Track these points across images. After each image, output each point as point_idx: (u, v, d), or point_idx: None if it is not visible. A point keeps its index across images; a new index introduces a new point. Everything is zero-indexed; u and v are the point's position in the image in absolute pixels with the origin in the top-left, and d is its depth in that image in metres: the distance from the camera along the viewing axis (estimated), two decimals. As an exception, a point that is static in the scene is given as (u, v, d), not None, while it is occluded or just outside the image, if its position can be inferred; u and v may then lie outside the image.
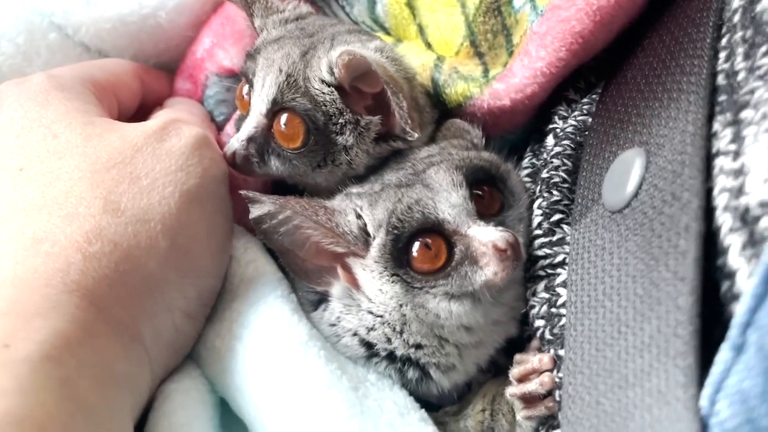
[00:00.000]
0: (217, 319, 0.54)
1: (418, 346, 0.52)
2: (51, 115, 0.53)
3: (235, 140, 0.56)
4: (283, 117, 0.55)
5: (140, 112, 0.65)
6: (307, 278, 0.53)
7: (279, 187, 0.63)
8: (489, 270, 0.48)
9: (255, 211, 0.51)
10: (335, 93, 0.55)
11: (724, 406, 0.33)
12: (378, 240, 0.50)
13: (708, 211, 0.39)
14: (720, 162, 0.39)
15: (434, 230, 0.49)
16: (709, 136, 0.41)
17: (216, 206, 0.55)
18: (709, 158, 0.40)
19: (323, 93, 0.54)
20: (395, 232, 0.49)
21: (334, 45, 0.57)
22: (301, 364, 0.49)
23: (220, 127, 0.67)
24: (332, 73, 0.54)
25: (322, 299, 0.54)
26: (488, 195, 0.52)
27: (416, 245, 0.50)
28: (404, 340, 0.52)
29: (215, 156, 0.57)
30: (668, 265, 0.39)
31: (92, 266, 0.47)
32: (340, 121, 0.55)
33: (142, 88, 0.66)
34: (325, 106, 0.54)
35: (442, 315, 0.51)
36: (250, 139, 0.56)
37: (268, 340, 0.51)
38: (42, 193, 0.49)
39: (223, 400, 0.52)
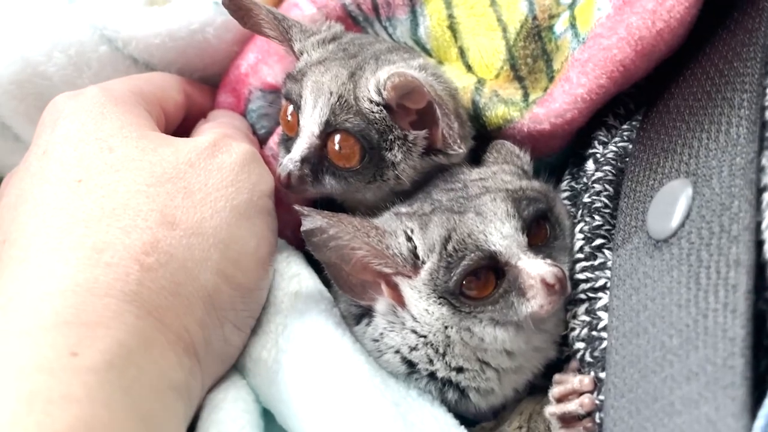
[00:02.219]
0: (262, 331, 0.55)
1: (460, 370, 0.53)
2: (107, 128, 0.55)
3: (289, 161, 0.57)
4: (337, 137, 0.56)
5: (184, 124, 0.67)
6: (351, 292, 0.54)
7: (321, 201, 0.64)
8: (536, 303, 0.50)
9: (307, 225, 0.52)
10: (384, 111, 0.56)
11: (778, 438, 0.34)
12: (429, 264, 0.51)
13: (757, 243, 0.40)
14: None
15: (486, 264, 0.50)
16: (759, 170, 0.42)
17: (263, 220, 0.56)
18: (758, 192, 0.41)
19: (373, 112, 0.56)
20: (449, 260, 0.50)
21: (379, 65, 0.59)
22: (346, 379, 0.50)
23: (261, 141, 0.68)
24: (380, 94, 0.56)
25: (365, 314, 0.56)
26: (538, 227, 0.53)
27: (467, 276, 0.50)
28: (446, 362, 0.53)
29: (263, 171, 0.59)
30: (718, 296, 0.40)
31: (149, 277, 0.48)
32: (390, 137, 0.56)
33: (187, 101, 0.68)
34: (376, 123, 0.56)
35: (486, 339, 0.52)
36: (304, 160, 0.57)
37: (313, 354, 0.52)
38: (100, 205, 0.51)
39: (267, 410, 0.54)
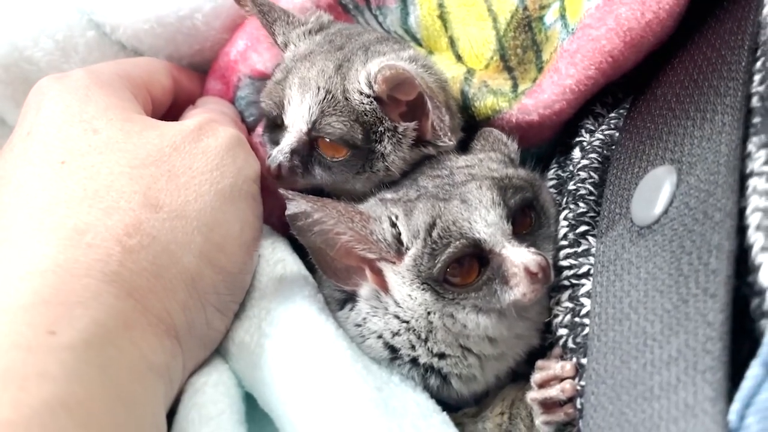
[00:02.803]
0: (245, 316, 0.55)
1: (442, 356, 0.53)
2: (91, 110, 0.55)
3: (278, 153, 0.57)
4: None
5: (172, 111, 0.67)
6: (335, 277, 0.54)
7: (309, 190, 0.64)
8: (519, 291, 0.50)
9: (291, 209, 0.52)
10: (374, 103, 0.56)
11: (754, 422, 0.34)
12: (413, 250, 0.51)
13: (740, 229, 0.40)
14: (753, 182, 0.40)
15: (471, 252, 0.50)
16: (743, 157, 0.42)
17: (248, 205, 0.56)
18: (742, 178, 0.41)
19: (363, 104, 0.56)
20: (433, 247, 0.50)
21: (369, 57, 0.58)
22: (328, 363, 0.50)
23: (250, 128, 0.68)
24: (371, 86, 0.55)
25: (349, 299, 0.56)
26: (523, 214, 0.53)
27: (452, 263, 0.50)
28: (428, 348, 0.53)
29: (248, 156, 0.58)
30: (698, 282, 0.40)
31: (131, 258, 0.48)
32: (379, 129, 0.56)
33: (175, 86, 0.67)
34: (366, 115, 0.56)
35: (469, 325, 0.52)
36: (294, 151, 0.57)
37: (296, 338, 0.52)
38: (83, 186, 0.50)
39: (249, 395, 0.53)
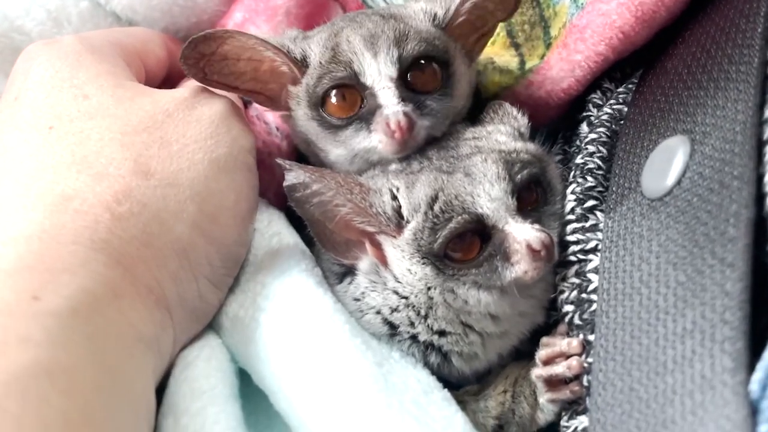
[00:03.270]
0: (240, 290, 0.53)
1: (442, 333, 0.52)
2: (82, 75, 0.53)
3: (393, 110, 0.51)
4: (420, 65, 0.53)
5: (167, 83, 0.65)
6: (334, 250, 0.53)
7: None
8: (520, 268, 0.48)
9: (290, 179, 0.51)
10: (440, 31, 0.55)
11: (777, 391, 0.32)
12: (413, 224, 0.49)
13: (758, 198, 0.38)
14: None
15: (473, 228, 0.49)
16: (760, 124, 0.40)
17: (243, 176, 0.55)
18: (759, 146, 0.40)
19: (431, 32, 0.54)
20: (435, 221, 0.49)
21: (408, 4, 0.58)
22: (326, 338, 0.49)
23: (245, 102, 0.66)
24: (443, 8, 0.55)
25: (348, 272, 0.54)
26: (529, 189, 0.51)
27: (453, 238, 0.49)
28: (428, 325, 0.51)
29: (244, 126, 0.57)
30: (715, 252, 0.38)
31: (120, 226, 0.46)
32: (451, 52, 0.55)
33: (170, 58, 0.66)
34: (437, 41, 0.54)
35: (470, 302, 0.50)
36: (403, 99, 0.52)
37: (292, 313, 0.50)
38: (72, 152, 0.49)
39: (243, 371, 0.52)
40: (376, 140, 0.53)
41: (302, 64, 0.55)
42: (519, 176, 0.50)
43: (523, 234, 0.48)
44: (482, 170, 0.50)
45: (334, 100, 0.54)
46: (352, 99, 0.53)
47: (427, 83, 0.54)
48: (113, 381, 0.40)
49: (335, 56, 0.53)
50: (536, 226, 0.49)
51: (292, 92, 0.56)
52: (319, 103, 0.54)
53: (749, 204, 0.38)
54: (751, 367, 0.34)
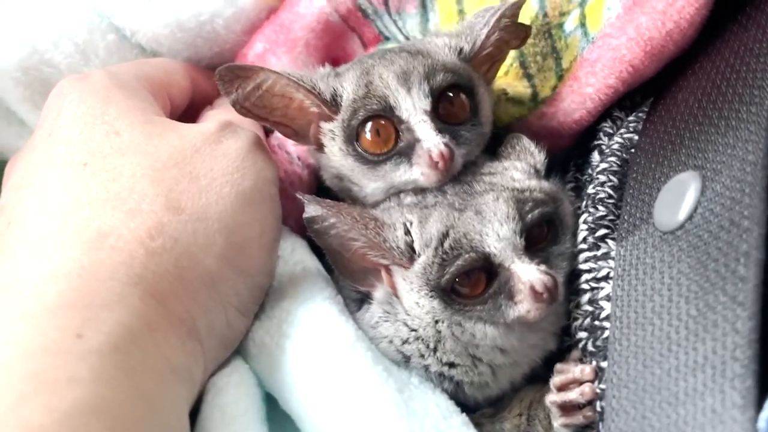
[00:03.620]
0: (266, 316, 0.55)
1: (452, 365, 0.54)
2: (113, 112, 0.55)
3: (433, 142, 0.53)
4: (447, 97, 0.56)
5: (189, 111, 0.67)
6: (352, 278, 0.55)
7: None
8: (523, 307, 0.50)
9: (309, 212, 0.53)
10: (464, 63, 0.58)
11: (783, 429, 0.34)
12: (423, 259, 0.51)
13: (765, 237, 0.40)
14: None
15: (480, 266, 0.50)
16: None
17: (268, 206, 0.56)
18: None
19: (456, 64, 0.57)
20: (444, 257, 0.50)
21: (431, 39, 0.60)
22: (349, 365, 0.51)
23: (267, 131, 0.68)
24: (469, 43, 0.57)
25: (364, 300, 0.56)
26: (539, 230, 0.53)
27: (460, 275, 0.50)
28: (438, 358, 0.53)
29: (268, 158, 0.58)
30: (726, 290, 0.40)
31: (154, 261, 0.48)
32: (474, 81, 0.58)
33: (192, 86, 0.67)
34: (461, 71, 0.57)
35: (477, 335, 0.52)
36: (440, 131, 0.54)
37: (317, 340, 0.52)
38: (106, 188, 0.50)
39: (269, 395, 0.54)
40: (417, 173, 0.54)
41: (332, 103, 0.56)
42: (530, 216, 0.51)
43: (527, 275, 0.49)
44: (493, 209, 0.51)
45: (368, 135, 0.55)
46: (386, 134, 0.55)
47: (457, 114, 0.56)
48: (152, 413, 0.42)
49: (369, 92, 0.55)
50: (542, 267, 0.50)
51: (325, 128, 0.58)
52: (354, 137, 0.56)
53: (759, 245, 0.39)
54: (759, 404, 0.35)
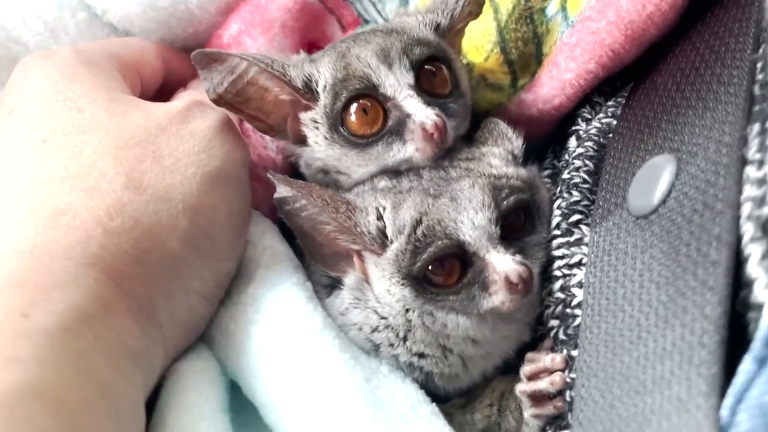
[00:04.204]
0: (231, 302, 0.54)
1: (421, 355, 0.52)
2: (77, 89, 0.53)
3: (425, 114, 0.51)
4: (429, 68, 0.54)
5: (162, 93, 0.65)
6: (322, 263, 0.53)
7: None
8: (497, 298, 0.48)
9: (279, 192, 0.51)
10: (439, 38, 0.57)
11: (745, 418, 0.33)
12: (396, 245, 0.50)
13: (737, 219, 0.38)
14: (747, 171, 0.39)
15: (453, 253, 0.49)
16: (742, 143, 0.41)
17: (236, 190, 0.55)
18: (740, 164, 0.40)
19: (432, 38, 0.56)
20: (416, 244, 0.49)
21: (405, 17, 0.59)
22: (316, 352, 0.49)
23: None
24: (446, 18, 0.56)
25: (335, 285, 0.54)
26: (515, 218, 0.51)
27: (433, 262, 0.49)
28: (407, 347, 0.52)
29: (237, 140, 0.57)
30: (696, 275, 0.39)
31: (112, 241, 0.47)
32: (449, 54, 0.57)
33: (165, 68, 0.66)
34: (437, 44, 0.56)
35: (449, 325, 0.51)
36: (429, 104, 0.52)
37: (283, 326, 0.51)
38: (65, 166, 0.49)
39: (233, 383, 0.52)
40: (411, 150, 0.53)
41: (305, 90, 0.54)
42: (505, 202, 0.50)
43: (502, 265, 0.48)
44: (468, 196, 0.50)
45: (354, 117, 0.53)
46: (373, 113, 0.53)
47: (440, 86, 0.55)
48: (102, 398, 0.41)
49: (349, 74, 0.53)
50: (518, 257, 0.49)
51: (305, 119, 0.55)
52: (339, 122, 0.53)
53: (732, 228, 0.38)
54: (724, 392, 0.34)
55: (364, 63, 0.53)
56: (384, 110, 0.53)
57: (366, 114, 0.53)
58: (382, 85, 0.53)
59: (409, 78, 0.53)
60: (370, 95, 0.53)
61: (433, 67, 0.54)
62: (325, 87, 0.54)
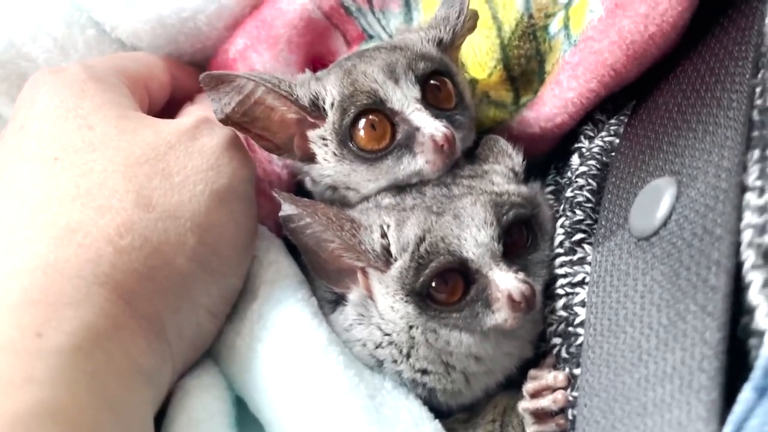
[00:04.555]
0: (238, 318, 0.54)
1: (425, 372, 0.53)
2: (87, 106, 0.54)
3: (435, 127, 0.52)
4: (434, 83, 0.55)
5: (170, 107, 0.66)
6: (327, 279, 0.54)
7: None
8: (500, 316, 0.49)
9: (284, 210, 0.52)
10: (441, 53, 0.57)
11: (745, 446, 0.33)
12: (400, 262, 0.50)
13: (736, 245, 0.39)
14: (747, 197, 0.39)
15: (456, 268, 0.50)
16: (742, 170, 0.41)
17: (243, 206, 0.56)
18: (741, 191, 0.41)
19: (435, 53, 0.56)
20: (420, 261, 0.50)
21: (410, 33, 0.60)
22: (320, 369, 0.50)
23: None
24: (448, 33, 0.57)
25: (339, 301, 0.55)
26: (518, 235, 0.52)
27: (436, 277, 0.50)
28: (410, 364, 0.53)
29: (245, 157, 0.58)
30: (696, 299, 0.39)
31: (122, 260, 0.47)
32: (453, 69, 0.58)
33: (173, 82, 0.67)
34: (442, 60, 0.57)
35: (452, 342, 0.51)
36: (437, 116, 0.53)
37: (288, 343, 0.51)
38: (76, 184, 0.50)
39: (240, 399, 0.53)
40: (422, 162, 0.53)
41: (312, 108, 0.55)
42: (506, 218, 0.51)
43: (505, 283, 0.48)
44: (470, 214, 0.50)
45: (363, 132, 0.54)
46: (381, 128, 0.54)
47: (445, 100, 0.56)
48: (114, 417, 0.41)
49: (356, 89, 0.54)
50: (520, 275, 0.49)
51: (313, 136, 0.56)
52: (348, 137, 0.54)
53: (731, 254, 0.39)
54: (724, 417, 0.35)
55: (371, 78, 0.54)
56: (392, 125, 0.54)
57: (374, 129, 0.54)
58: (390, 99, 0.53)
59: (415, 92, 0.54)
60: (377, 110, 0.54)
61: (438, 81, 0.55)
62: (332, 104, 0.55)
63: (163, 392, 0.49)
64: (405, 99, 0.53)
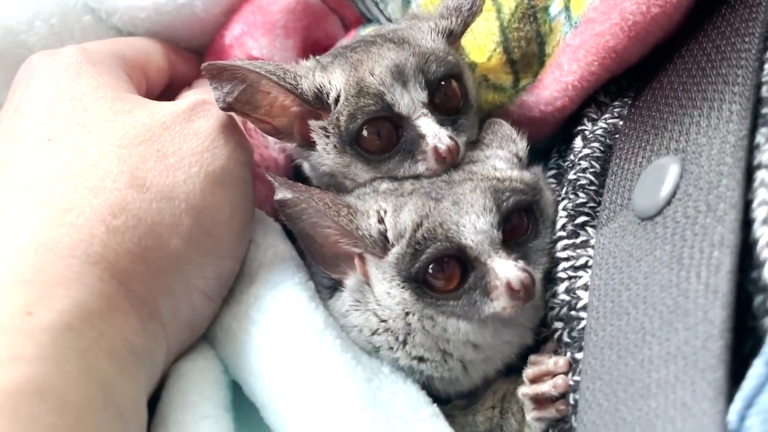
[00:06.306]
0: (234, 301, 0.54)
1: (421, 359, 0.52)
2: (82, 87, 0.54)
3: (438, 136, 0.52)
4: (441, 87, 0.54)
5: (167, 93, 0.66)
6: (324, 264, 0.53)
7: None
8: (498, 304, 0.48)
9: (280, 195, 0.51)
10: (450, 47, 0.56)
11: (756, 423, 0.32)
12: (397, 249, 0.49)
13: (746, 223, 0.38)
14: (761, 175, 0.38)
15: (454, 254, 0.49)
16: (752, 149, 0.40)
17: (239, 189, 0.55)
18: (750, 170, 0.39)
19: (445, 50, 0.55)
20: (417, 247, 0.49)
21: (412, 24, 0.58)
22: (317, 353, 0.49)
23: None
24: (459, 25, 0.57)
25: (336, 287, 0.54)
26: (518, 221, 0.51)
27: (433, 263, 0.49)
28: (407, 351, 0.52)
29: (241, 139, 0.57)
30: (700, 277, 0.38)
31: (115, 239, 0.47)
32: (461, 65, 0.57)
33: (170, 68, 0.66)
34: (449, 55, 0.55)
35: (449, 329, 0.50)
36: (442, 123, 0.53)
37: (285, 326, 0.51)
38: (69, 164, 0.49)
39: (235, 382, 0.52)
40: (422, 168, 0.53)
41: (315, 101, 0.54)
42: (506, 204, 0.50)
43: (504, 271, 0.47)
44: (470, 200, 0.49)
45: (368, 136, 0.53)
46: (387, 133, 0.53)
47: (453, 102, 0.55)
48: (105, 396, 0.41)
49: (362, 90, 0.53)
50: (520, 263, 0.48)
51: (314, 126, 0.55)
52: (354, 140, 0.54)
53: (735, 229, 0.38)
54: (730, 396, 0.34)
55: (378, 80, 0.53)
56: (397, 129, 0.53)
57: (380, 135, 0.53)
58: (397, 104, 0.53)
59: (423, 96, 0.53)
60: (385, 116, 0.53)
61: (446, 82, 0.55)
62: (337, 99, 0.54)
63: (157, 374, 0.49)
64: (412, 104, 0.53)
